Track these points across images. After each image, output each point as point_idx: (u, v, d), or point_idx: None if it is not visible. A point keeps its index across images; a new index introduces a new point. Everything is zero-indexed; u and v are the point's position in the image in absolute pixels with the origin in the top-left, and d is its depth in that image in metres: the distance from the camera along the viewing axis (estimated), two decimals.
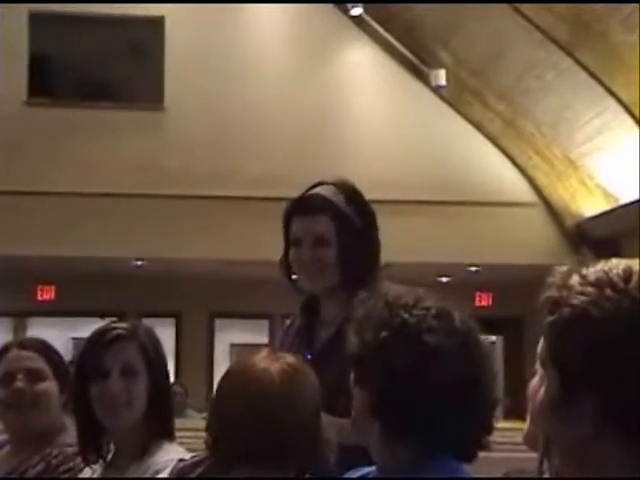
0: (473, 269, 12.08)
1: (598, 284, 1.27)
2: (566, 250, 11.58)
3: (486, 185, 11.89)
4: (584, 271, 1.30)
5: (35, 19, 11.57)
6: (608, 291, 1.26)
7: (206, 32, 11.72)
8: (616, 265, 1.30)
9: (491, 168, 12.04)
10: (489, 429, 1.81)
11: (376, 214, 3.03)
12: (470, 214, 11.68)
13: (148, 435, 2.42)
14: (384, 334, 1.73)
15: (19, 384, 2.79)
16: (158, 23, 11.75)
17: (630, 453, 1.26)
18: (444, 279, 12.44)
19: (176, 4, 11.63)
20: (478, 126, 12.08)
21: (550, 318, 1.29)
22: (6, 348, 2.90)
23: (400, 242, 11.31)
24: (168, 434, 2.45)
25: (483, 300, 13.26)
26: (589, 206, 11.30)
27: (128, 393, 2.39)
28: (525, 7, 9.86)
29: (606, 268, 1.29)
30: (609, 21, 9.18)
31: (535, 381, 1.35)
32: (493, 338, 13.52)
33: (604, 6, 9.08)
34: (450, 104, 12.11)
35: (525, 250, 11.40)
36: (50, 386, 2.81)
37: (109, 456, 2.47)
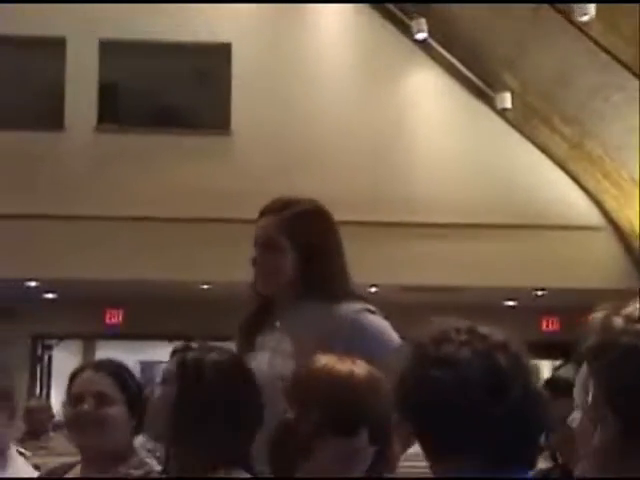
0: (539, 293, 11.96)
1: None
2: (634, 274, 11.43)
3: (553, 208, 11.79)
4: (623, 312, 1.29)
5: (105, 47, 11.76)
6: None
7: (272, 58, 11.82)
8: None
9: (558, 191, 11.94)
10: (543, 428, 1.80)
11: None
12: (537, 238, 11.58)
13: (214, 460, 2.43)
14: (434, 372, 1.72)
15: (85, 407, 2.82)
16: (225, 49, 11.87)
17: None
18: (510, 303, 12.34)
19: (243, 31, 11.75)
20: (544, 149, 12.00)
21: (599, 363, 1.27)
22: (82, 368, 2.95)
23: (466, 266, 11.27)
24: (234, 460, 2.44)
25: (550, 325, 13.11)
26: None
27: None
28: (591, 29, 9.79)
29: None
30: None
31: (582, 424, 1.33)
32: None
33: None
34: (516, 127, 12.04)
35: (592, 274, 11.27)
36: (118, 411, 2.84)
37: None
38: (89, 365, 2.97)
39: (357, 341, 2.66)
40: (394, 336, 2.79)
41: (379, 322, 2.87)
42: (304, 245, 2.93)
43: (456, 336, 1.77)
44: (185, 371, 2.48)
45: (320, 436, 2.06)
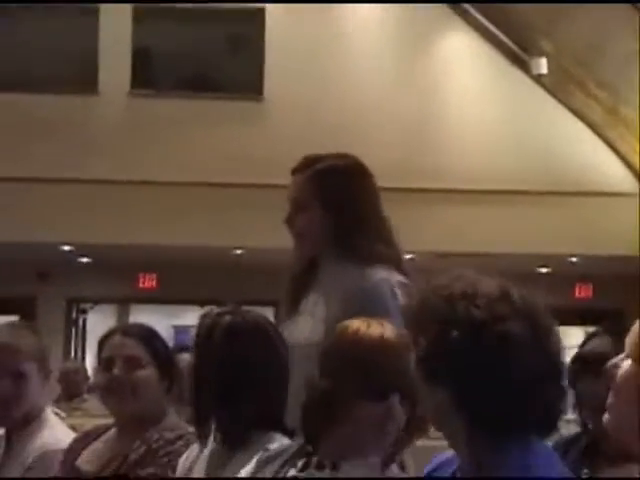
0: (573, 260, 11.91)
1: None
2: None
3: (587, 174, 11.71)
4: None
5: (138, 12, 11.76)
6: None
7: (306, 23, 11.76)
8: None
9: (593, 157, 11.85)
10: (564, 395, 1.80)
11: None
12: (571, 204, 11.51)
13: (245, 425, 2.44)
14: (454, 332, 1.72)
15: (116, 371, 2.85)
16: (258, 15, 11.83)
17: None
18: (543, 270, 12.29)
19: None
20: (580, 114, 11.89)
21: None
22: (110, 334, 2.96)
23: (499, 232, 11.24)
24: (278, 426, 2.44)
25: (583, 291, 13.06)
26: None
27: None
28: None
29: None
30: None
31: (626, 369, 1.33)
32: (593, 329, 13.31)
33: None
34: (551, 92, 11.94)
35: (627, 241, 11.19)
36: (149, 374, 2.86)
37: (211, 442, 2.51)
38: (118, 329, 2.99)
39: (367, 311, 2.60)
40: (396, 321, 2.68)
41: (389, 301, 2.71)
42: (333, 203, 2.82)
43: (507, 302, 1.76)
44: (200, 336, 2.50)
45: (353, 401, 2.07)
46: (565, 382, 1.81)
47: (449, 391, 1.74)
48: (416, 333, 1.79)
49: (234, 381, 2.43)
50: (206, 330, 2.49)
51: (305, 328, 2.76)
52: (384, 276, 2.78)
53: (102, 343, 2.93)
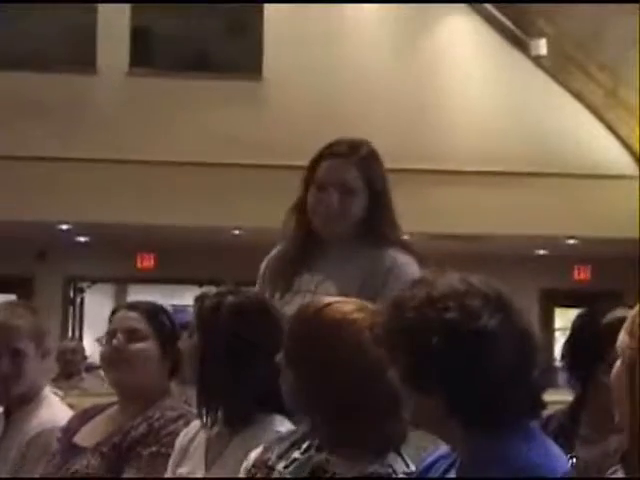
0: (572, 242, 11.91)
1: None
2: None
3: (586, 157, 11.70)
4: None
5: None
6: None
7: (305, 4, 11.71)
8: None
9: (592, 139, 11.84)
10: (547, 383, 1.82)
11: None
12: (569, 186, 11.50)
13: (250, 406, 2.45)
14: (434, 340, 1.72)
15: (115, 342, 2.87)
16: None
17: None
18: (542, 252, 12.31)
19: None
20: (579, 97, 11.88)
21: None
22: (117, 308, 3.02)
23: (498, 214, 11.23)
24: (278, 409, 2.42)
25: (582, 273, 13.08)
26: None
27: None
28: None
29: None
30: None
31: (617, 365, 1.34)
32: None
33: None
34: (550, 74, 11.92)
35: (625, 223, 11.18)
36: (149, 347, 2.87)
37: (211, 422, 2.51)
38: (125, 305, 3.04)
39: (388, 290, 2.64)
40: None
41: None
42: (375, 187, 2.93)
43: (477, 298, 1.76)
44: (204, 317, 2.50)
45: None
46: (539, 358, 1.82)
47: (440, 398, 1.75)
48: (391, 350, 1.78)
49: (242, 361, 2.43)
50: (210, 310, 2.48)
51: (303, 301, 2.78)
52: (409, 261, 2.89)
53: (110, 318, 2.97)
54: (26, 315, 3.22)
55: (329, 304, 2.13)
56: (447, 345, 1.71)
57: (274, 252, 3.10)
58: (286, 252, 3.03)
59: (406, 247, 2.94)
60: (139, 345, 2.86)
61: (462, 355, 1.71)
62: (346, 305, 2.12)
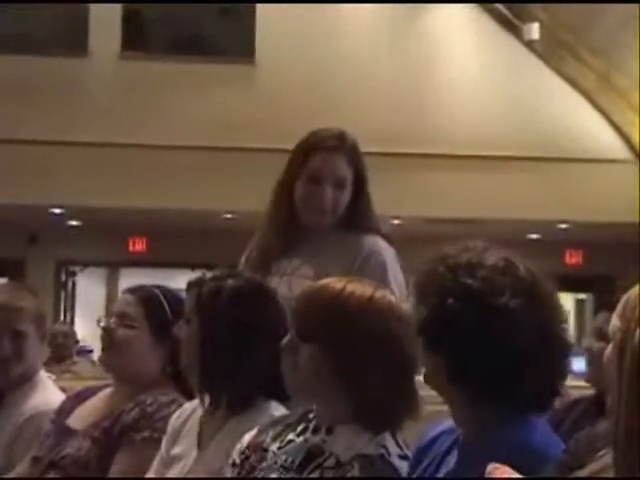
0: (564, 227, 11.93)
1: None
2: None
3: (579, 141, 11.70)
4: None
5: None
6: None
7: None
8: None
9: (584, 124, 11.84)
10: (563, 375, 1.82)
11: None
12: (562, 171, 11.51)
13: (253, 390, 2.44)
14: (450, 301, 1.73)
15: (105, 324, 2.88)
16: None
17: None
18: (534, 236, 12.32)
19: None
20: (571, 81, 11.87)
21: None
22: (123, 292, 3.03)
23: (490, 198, 11.25)
24: (277, 393, 2.42)
25: (573, 258, 13.10)
26: None
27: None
28: None
29: None
30: None
31: (609, 348, 1.35)
32: (583, 296, 13.39)
33: None
34: (543, 58, 11.91)
35: (618, 208, 11.22)
36: (136, 334, 2.86)
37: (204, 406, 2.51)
38: (129, 288, 3.02)
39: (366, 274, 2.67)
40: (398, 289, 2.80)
41: (393, 268, 2.90)
42: (360, 177, 2.99)
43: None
44: (203, 301, 2.48)
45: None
46: (566, 362, 1.81)
47: (445, 359, 1.76)
48: (419, 301, 1.80)
49: (243, 345, 2.42)
50: (210, 295, 2.47)
51: (282, 286, 2.79)
52: (386, 246, 2.96)
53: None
54: (28, 297, 3.23)
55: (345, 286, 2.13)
56: (461, 310, 1.73)
57: (256, 237, 3.13)
58: (266, 238, 3.06)
59: (384, 234, 2.99)
60: (128, 330, 2.86)
61: (473, 324, 1.72)
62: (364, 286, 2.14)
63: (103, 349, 2.92)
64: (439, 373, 1.79)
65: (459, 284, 1.75)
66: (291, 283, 2.87)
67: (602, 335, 3.12)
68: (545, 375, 1.78)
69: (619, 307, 1.47)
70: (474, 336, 1.72)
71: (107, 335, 2.87)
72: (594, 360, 3.10)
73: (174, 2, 11.79)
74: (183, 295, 2.61)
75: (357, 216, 2.96)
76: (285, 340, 2.14)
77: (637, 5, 9.95)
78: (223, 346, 2.43)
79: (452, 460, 1.85)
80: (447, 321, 1.74)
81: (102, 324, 2.89)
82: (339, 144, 3.00)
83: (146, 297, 2.91)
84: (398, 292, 2.69)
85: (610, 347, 1.42)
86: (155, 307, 2.89)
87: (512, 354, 1.72)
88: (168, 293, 2.94)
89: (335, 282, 2.12)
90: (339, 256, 2.87)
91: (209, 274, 2.55)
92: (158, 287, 2.97)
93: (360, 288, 2.10)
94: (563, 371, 1.82)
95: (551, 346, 1.77)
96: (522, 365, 1.73)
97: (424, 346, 1.81)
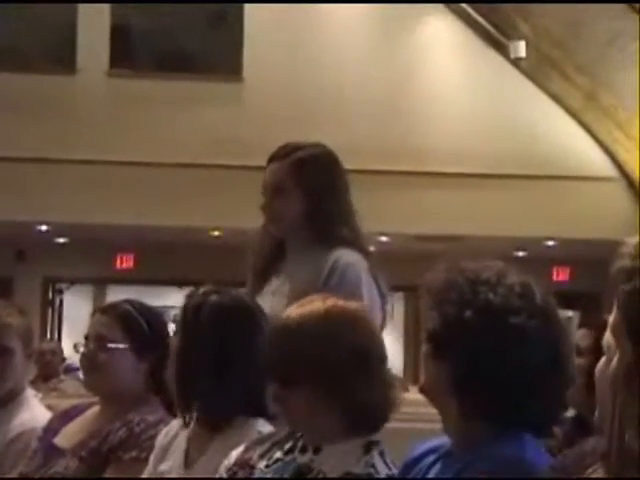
0: (550, 243, 11.96)
1: None
2: None
3: (565, 159, 11.74)
4: None
5: None
6: None
7: (285, 4, 11.71)
8: None
9: (570, 142, 11.88)
10: (564, 406, 1.82)
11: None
12: (548, 188, 11.55)
13: (233, 408, 2.43)
14: (468, 313, 1.74)
15: (85, 350, 2.86)
16: None
17: None
18: (520, 253, 12.34)
19: None
20: (558, 99, 11.92)
21: (625, 287, 1.28)
22: (95, 311, 3.01)
23: (476, 215, 11.27)
24: (260, 411, 2.41)
25: (560, 275, 13.12)
26: None
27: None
28: None
29: None
30: None
31: (602, 363, 1.34)
32: (570, 313, 13.38)
33: None
34: (529, 76, 11.96)
35: (604, 225, 11.25)
36: (118, 355, 2.83)
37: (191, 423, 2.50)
38: (101, 307, 3.01)
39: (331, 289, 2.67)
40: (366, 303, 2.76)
41: (359, 283, 2.87)
42: (311, 189, 2.96)
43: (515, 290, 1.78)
44: (186, 317, 2.48)
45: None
46: (567, 393, 1.81)
47: (452, 369, 1.76)
48: (432, 307, 1.79)
49: (222, 361, 2.41)
50: (193, 310, 2.47)
51: (266, 305, 2.80)
52: (354, 260, 2.92)
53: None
54: (16, 315, 3.22)
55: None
56: (479, 323, 1.73)
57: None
58: (259, 255, 3.12)
59: (355, 246, 2.95)
60: (108, 352, 2.83)
61: (489, 339, 1.72)
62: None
63: (86, 374, 2.91)
64: (440, 382, 1.78)
65: (480, 298, 1.75)
66: (272, 302, 2.86)
67: (579, 351, 3.12)
68: (548, 401, 1.78)
69: (611, 322, 1.47)
70: (487, 351, 1.72)
71: (87, 360, 2.86)
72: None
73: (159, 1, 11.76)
74: (154, 307, 2.61)
75: (319, 227, 2.93)
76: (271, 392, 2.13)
77: (623, 22, 10.00)
78: (200, 362, 2.41)
79: (435, 470, 1.85)
80: (461, 332, 1.74)
81: (81, 350, 2.86)
82: (277, 152, 3.05)
83: (120, 315, 2.87)
84: (367, 302, 2.71)
85: (602, 362, 1.41)
86: (132, 323, 2.86)
87: (522, 373, 1.72)
88: (139, 306, 2.92)
89: (293, 317, 2.10)
90: (308, 272, 2.89)
91: (203, 288, 2.54)
92: (128, 302, 2.93)
93: (314, 320, 2.07)
94: (564, 401, 1.82)
95: (559, 373, 1.78)
96: (529, 386, 1.73)
97: (429, 353, 1.80)
